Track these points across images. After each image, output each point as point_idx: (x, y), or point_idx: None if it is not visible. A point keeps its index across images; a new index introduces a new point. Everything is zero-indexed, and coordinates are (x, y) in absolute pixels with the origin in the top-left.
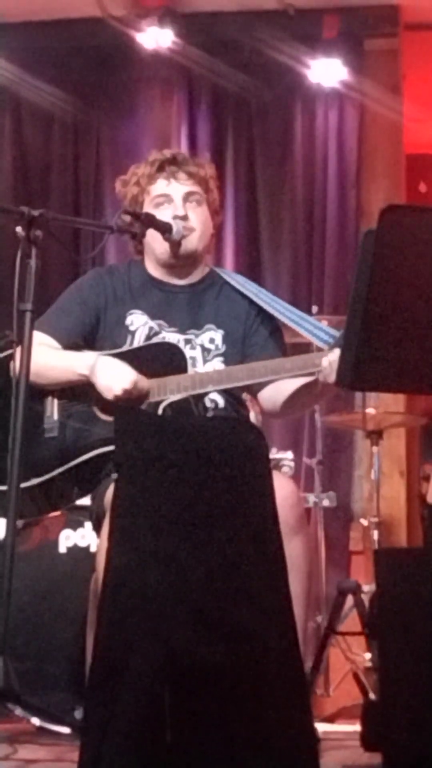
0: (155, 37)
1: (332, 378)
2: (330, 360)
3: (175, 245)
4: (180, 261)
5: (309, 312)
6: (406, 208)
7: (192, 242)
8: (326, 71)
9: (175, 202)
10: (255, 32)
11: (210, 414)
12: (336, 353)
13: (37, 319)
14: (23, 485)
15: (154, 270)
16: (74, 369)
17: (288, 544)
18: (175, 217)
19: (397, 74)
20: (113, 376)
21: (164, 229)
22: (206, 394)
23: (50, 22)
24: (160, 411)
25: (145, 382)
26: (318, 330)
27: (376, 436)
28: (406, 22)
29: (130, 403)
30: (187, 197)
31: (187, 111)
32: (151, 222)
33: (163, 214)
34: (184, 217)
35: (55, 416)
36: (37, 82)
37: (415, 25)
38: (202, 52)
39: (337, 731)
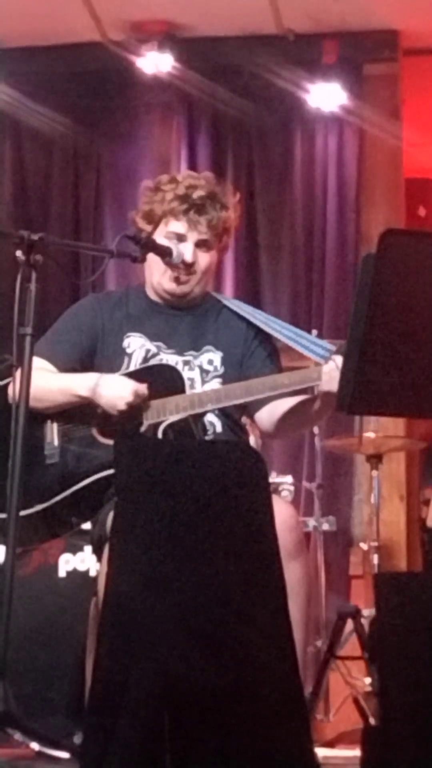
0: (155, 62)
1: (333, 386)
2: (329, 368)
3: (174, 277)
4: (174, 299)
5: None
6: (406, 232)
7: (189, 285)
8: (326, 96)
9: (187, 247)
10: (255, 57)
11: (209, 437)
12: (336, 361)
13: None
14: (26, 512)
15: (153, 294)
16: (74, 391)
17: (286, 568)
18: (183, 262)
19: (397, 99)
20: (114, 392)
21: (164, 253)
22: (205, 414)
23: (50, 47)
24: (160, 432)
25: (144, 388)
26: (315, 345)
27: (375, 460)
28: (405, 47)
29: (134, 414)
30: (200, 244)
31: (186, 135)
32: (152, 246)
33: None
34: (191, 264)
35: (56, 442)
36: (37, 106)
37: (415, 50)
38: (202, 77)
39: (338, 756)
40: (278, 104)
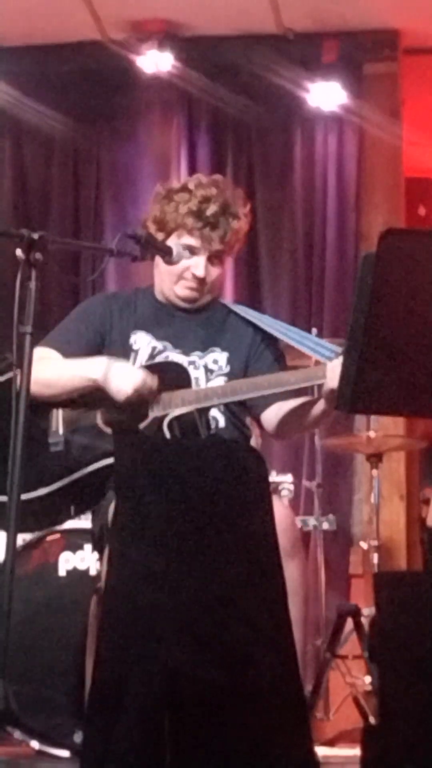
0: (155, 61)
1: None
2: (334, 366)
3: (186, 287)
4: (184, 303)
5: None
6: (405, 231)
7: (198, 292)
8: (325, 95)
9: (199, 261)
10: (254, 56)
11: (212, 431)
12: (339, 361)
13: (38, 341)
14: (27, 496)
15: (162, 297)
16: (85, 374)
17: (284, 568)
18: (194, 276)
19: (397, 98)
20: (123, 378)
21: (165, 252)
22: (210, 409)
23: (50, 46)
24: (165, 425)
25: (153, 380)
26: (320, 347)
27: (375, 459)
28: (405, 46)
29: (139, 404)
30: (212, 257)
31: (186, 134)
32: (152, 245)
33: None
34: (202, 278)
35: (61, 430)
36: (37, 105)
37: (415, 49)
38: (202, 76)
39: (338, 755)
40: (278, 103)
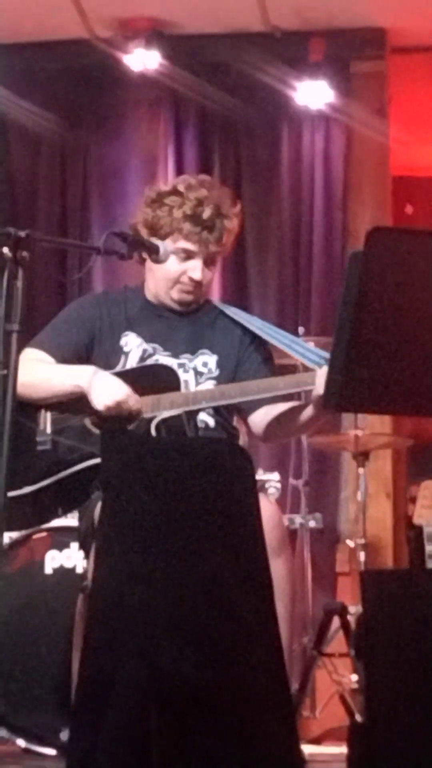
0: (142, 59)
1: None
2: (323, 373)
3: (182, 290)
4: (176, 305)
5: (296, 333)
6: (393, 230)
7: (194, 296)
8: (313, 94)
9: (197, 265)
10: (242, 55)
11: (200, 433)
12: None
13: (25, 340)
14: (13, 493)
15: (153, 297)
16: (70, 380)
17: (270, 566)
18: (191, 279)
19: (384, 97)
20: (105, 388)
21: (151, 250)
22: (199, 412)
23: (37, 44)
24: (153, 427)
25: (136, 401)
26: (309, 352)
27: (362, 457)
28: (392, 44)
29: (120, 417)
30: (207, 259)
31: (173, 133)
32: (139, 244)
33: (177, 263)
34: (199, 282)
35: (48, 430)
36: (24, 103)
37: (402, 48)
38: (189, 74)
39: (324, 753)
40: (265, 102)
